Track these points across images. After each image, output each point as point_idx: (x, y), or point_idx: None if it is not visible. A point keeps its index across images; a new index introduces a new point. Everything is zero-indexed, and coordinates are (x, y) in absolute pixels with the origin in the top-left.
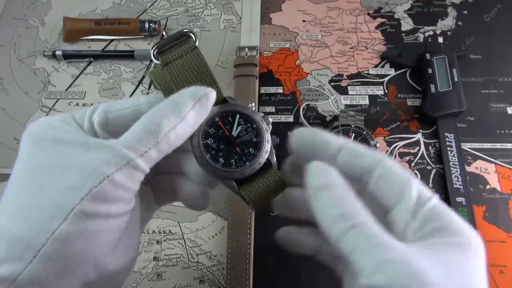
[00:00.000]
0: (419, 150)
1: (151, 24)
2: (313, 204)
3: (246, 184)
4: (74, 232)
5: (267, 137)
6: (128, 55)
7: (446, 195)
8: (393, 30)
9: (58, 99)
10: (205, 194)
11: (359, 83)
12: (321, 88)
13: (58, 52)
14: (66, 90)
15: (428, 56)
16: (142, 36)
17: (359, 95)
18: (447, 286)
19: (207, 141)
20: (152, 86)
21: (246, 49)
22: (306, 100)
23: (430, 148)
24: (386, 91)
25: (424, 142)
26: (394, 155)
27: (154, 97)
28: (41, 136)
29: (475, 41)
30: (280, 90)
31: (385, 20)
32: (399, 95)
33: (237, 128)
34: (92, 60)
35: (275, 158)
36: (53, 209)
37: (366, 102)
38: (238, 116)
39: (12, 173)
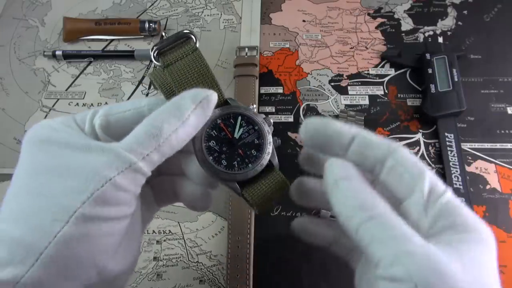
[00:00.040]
0: (419, 150)
1: (151, 24)
2: (331, 196)
3: (249, 186)
4: (76, 235)
5: (269, 138)
6: (128, 55)
7: None
8: (393, 30)
9: (58, 99)
10: (207, 195)
11: (359, 83)
12: (321, 88)
13: (58, 52)
14: (66, 90)
15: (428, 56)
16: (142, 36)
17: (359, 95)
18: (465, 282)
19: (210, 143)
20: (152, 87)
21: (246, 49)
22: (306, 100)
23: (430, 148)
24: (386, 91)
25: (424, 142)
26: None
27: (155, 99)
28: (43, 139)
29: (475, 41)
30: (280, 90)
31: (385, 20)
32: (399, 95)
33: (239, 130)
34: (92, 60)
35: (277, 159)
36: (55, 212)
37: (366, 102)
38: (240, 118)
39: (14, 176)
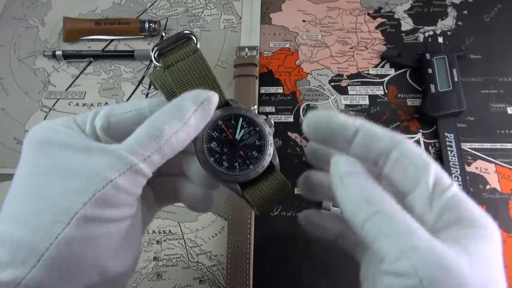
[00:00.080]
0: None
1: (151, 24)
2: (337, 191)
3: (250, 187)
4: (77, 236)
5: (270, 140)
6: (128, 55)
7: None
8: (393, 30)
9: (58, 99)
10: (208, 196)
11: (359, 83)
12: (321, 88)
13: (58, 52)
14: (66, 90)
15: (428, 56)
16: (142, 36)
17: (359, 95)
18: (472, 277)
19: (211, 144)
20: (152, 87)
21: (246, 49)
22: (306, 100)
23: (430, 148)
24: (386, 91)
25: (424, 142)
26: None
27: (156, 100)
28: (43, 140)
29: (475, 41)
30: (280, 90)
31: (385, 20)
32: (399, 95)
33: (240, 131)
34: (92, 60)
35: (277, 160)
36: (56, 213)
37: (366, 102)
38: (241, 119)
39: (15, 177)
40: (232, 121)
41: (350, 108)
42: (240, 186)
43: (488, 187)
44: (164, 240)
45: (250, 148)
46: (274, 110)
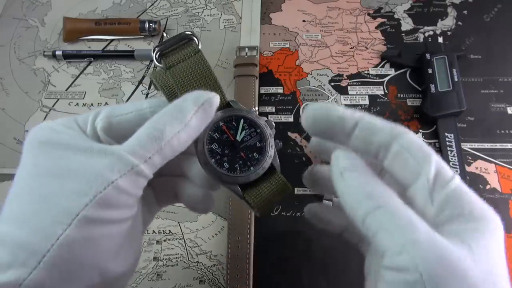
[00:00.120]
0: None
1: (151, 24)
2: (338, 186)
3: (251, 188)
4: (78, 238)
5: (271, 141)
6: (128, 55)
7: None
8: (393, 30)
9: (58, 99)
10: (208, 197)
11: (359, 83)
12: (321, 88)
13: (58, 52)
14: (66, 90)
15: (428, 56)
16: (142, 36)
17: (359, 95)
18: (474, 271)
19: (212, 146)
20: (152, 87)
21: (246, 49)
22: (306, 100)
23: None
24: (386, 91)
25: (424, 142)
26: None
27: (157, 101)
28: (43, 141)
29: (475, 41)
30: (280, 90)
31: (385, 20)
32: (399, 95)
33: (241, 133)
34: (92, 60)
35: (278, 162)
36: (57, 214)
37: (366, 102)
38: (242, 121)
39: (15, 178)
40: (233, 123)
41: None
42: (241, 187)
43: (488, 187)
44: (164, 240)
45: (251, 149)
46: (274, 110)
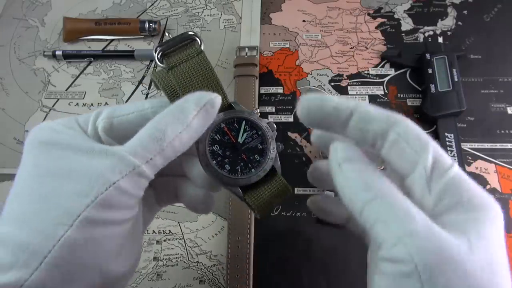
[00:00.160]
0: None
1: (151, 24)
2: (336, 177)
3: (251, 190)
4: (80, 239)
5: (273, 144)
6: (128, 55)
7: None
8: (393, 30)
9: (58, 99)
10: (209, 198)
11: (359, 83)
12: (321, 88)
13: (58, 52)
14: (66, 90)
15: (428, 56)
16: (142, 36)
17: (359, 95)
18: (472, 262)
19: (213, 147)
20: (153, 86)
21: (246, 49)
22: None
23: None
24: (386, 91)
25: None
26: None
27: (158, 101)
28: (43, 141)
29: (475, 41)
30: (280, 90)
31: (385, 20)
32: (399, 95)
33: (243, 134)
34: (92, 60)
35: (279, 164)
36: (58, 215)
37: (366, 102)
38: (244, 122)
39: (16, 178)
40: (235, 124)
41: None
42: (242, 189)
43: (488, 187)
44: (164, 240)
45: (252, 151)
46: (274, 110)
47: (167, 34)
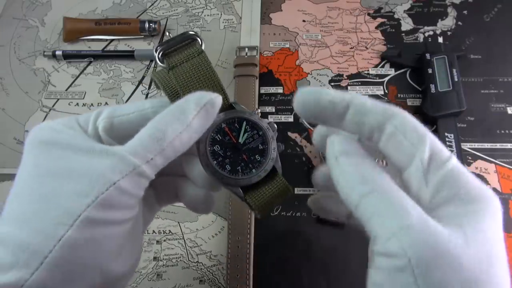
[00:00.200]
0: None
1: (151, 24)
2: (332, 172)
3: (252, 191)
4: (80, 239)
5: (273, 144)
6: (128, 55)
7: None
8: (393, 30)
9: (58, 99)
10: (209, 198)
11: (359, 83)
12: None
13: (58, 52)
14: (66, 90)
15: (428, 56)
16: (142, 36)
17: None
18: (468, 256)
19: (214, 147)
20: (153, 86)
21: (246, 49)
22: None
23: None
24: (386, 91)
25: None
26: None
27: (159, 101)
28: (43, 140)
29: (475, 41)
30: (280, 90)
31: (385, 20)
32: (399, 95)
33: (243, 135)
34: (92, 60)
35: (280, 164)
36: (59, 215)
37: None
38: (245, 123)
39: (16, 178)
40: (236, 125)
41: None
42: (242, 189)
43: (488, 187)
44: (164, 240)
45: (253, 152)
46: (274, 110)
47: (168, 33)
